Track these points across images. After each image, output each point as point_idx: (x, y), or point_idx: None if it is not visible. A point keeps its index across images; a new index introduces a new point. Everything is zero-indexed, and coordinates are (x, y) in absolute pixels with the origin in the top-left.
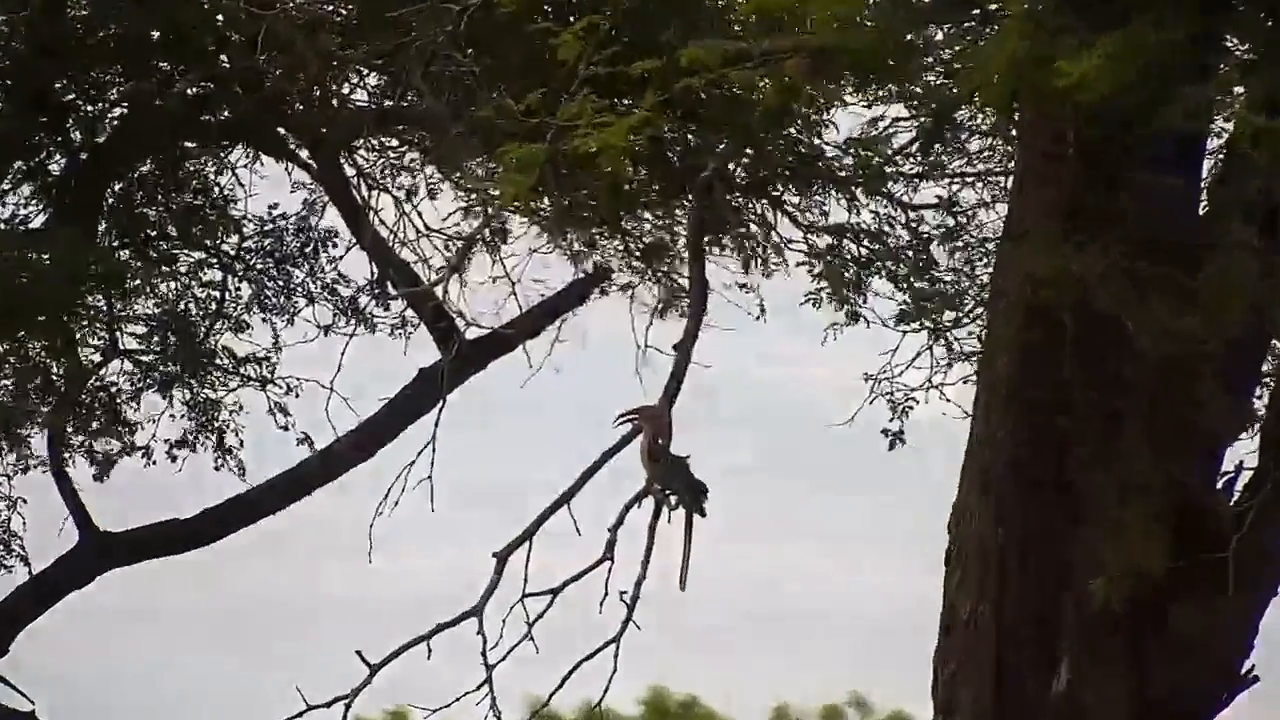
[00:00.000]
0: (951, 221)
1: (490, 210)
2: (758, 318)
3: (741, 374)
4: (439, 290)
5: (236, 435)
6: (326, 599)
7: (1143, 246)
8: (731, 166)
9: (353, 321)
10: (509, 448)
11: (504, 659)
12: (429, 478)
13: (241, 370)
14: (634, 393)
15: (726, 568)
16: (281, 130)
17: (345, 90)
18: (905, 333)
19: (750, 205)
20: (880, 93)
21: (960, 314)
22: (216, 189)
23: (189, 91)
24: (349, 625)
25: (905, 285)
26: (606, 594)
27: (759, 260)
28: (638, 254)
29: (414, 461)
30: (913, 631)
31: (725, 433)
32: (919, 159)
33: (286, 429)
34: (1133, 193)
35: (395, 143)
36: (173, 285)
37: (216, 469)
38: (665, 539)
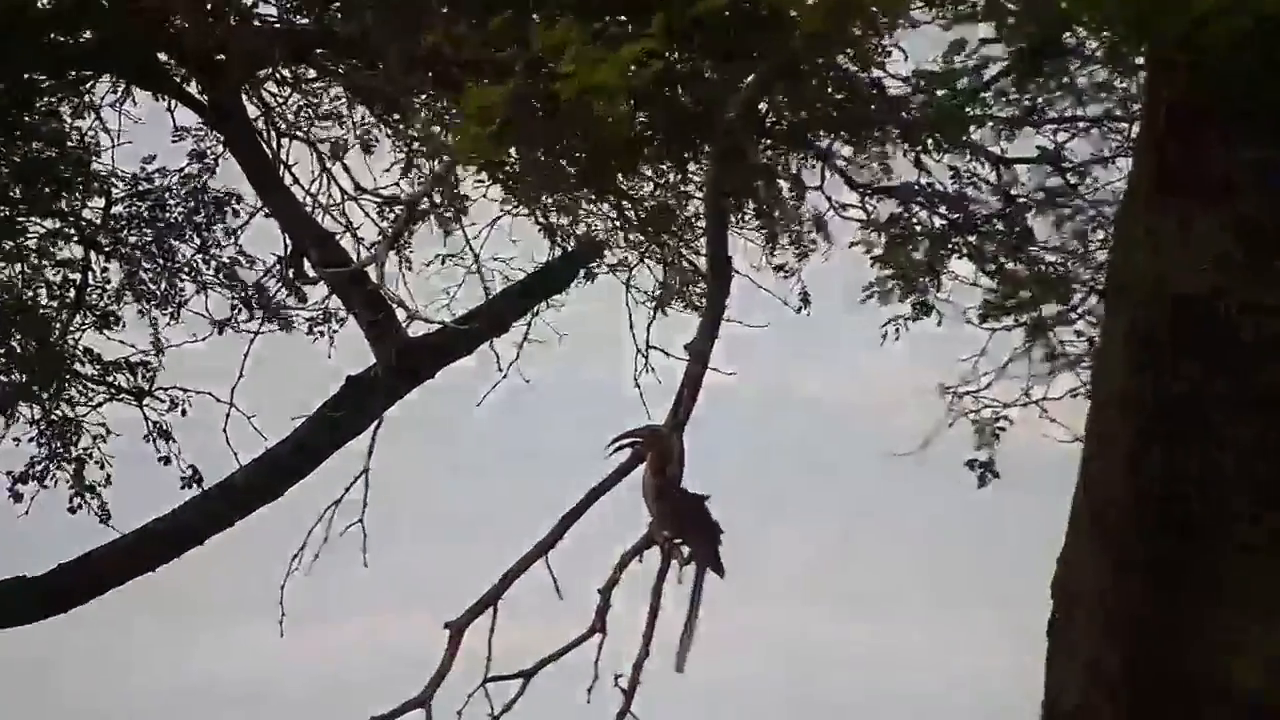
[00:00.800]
0: (1057, 182)
1: (442, 167)
2: (797, 310)
3: (774, 385)
4: (372, 272)
5: (102, 467)
6: (219, 683)
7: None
8: (762, 108)
9: (258, 314)
10: (467, 482)
11: None
12: (360, 521)
13: (109, 379)
14: (632, 409)
15: (749, 640)
16: (162, 56)
17: (249, 2)
18: (994, 331)
19: (787, 160)
20: (961, 8)
21: (1067, 306)
22: (75, 136)
23: (37, 3)
24: (256, 716)
25: (994, 267)
26: (597, 677)
27: (798, 234)
28: (636, 225)
29: (340, 500)
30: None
31: (753, 463)
32: (1013, 98)
33: (169, 460)
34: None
35: (316, 76)
36: (17, 267)
37: (72, 511)
38: (673, 602)
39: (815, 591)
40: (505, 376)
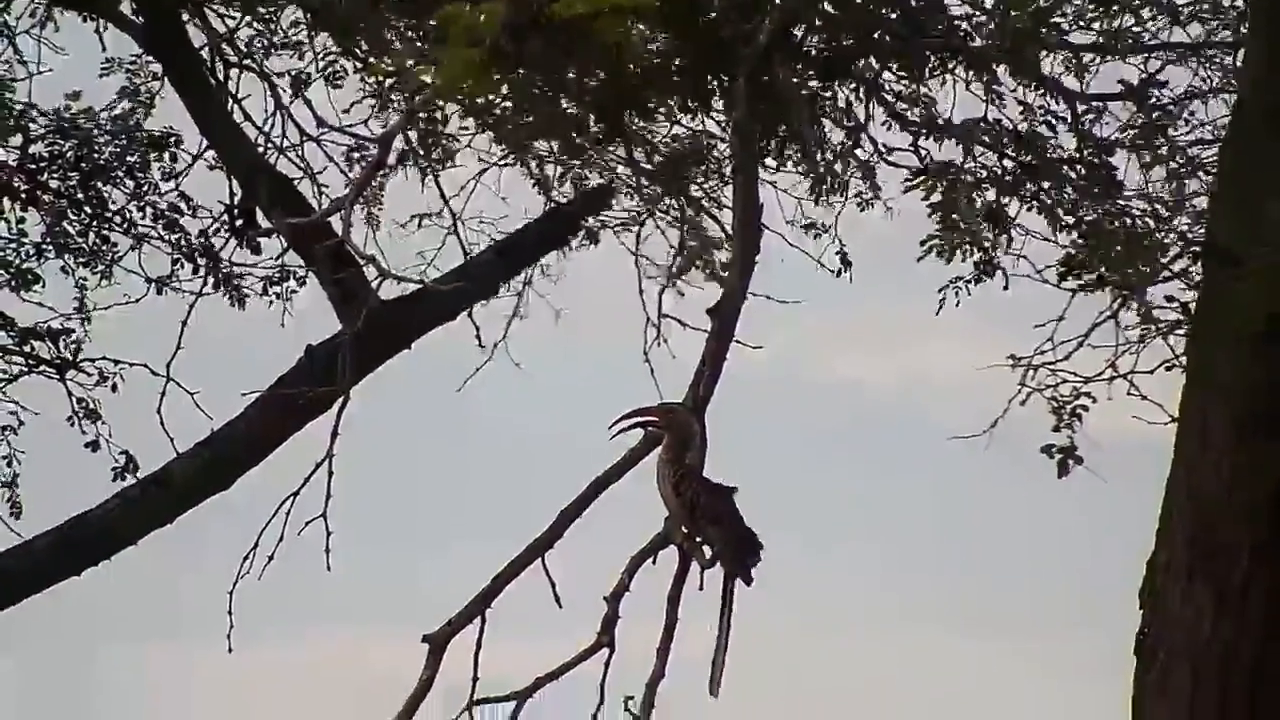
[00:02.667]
0: (1145, 120)
1: (418, 103)
2: (836, 274)
3: (811, 359)
4: (337, 223)
5: (12, 454)
6: (155, 708)
7: None
8: (797, 31)
9: (202, 273)
10: (448, 472)
11: None
12: (323, 517)
13: (26, 349)
14: (641, 388)
15: (785, 660)
16: None
17: None
18: (1073, 294)
19: (828, 93)
20: None
21: (1159, 264)
22: None
23: None
24: None
25: (1072, 220)
26: (603, 700)
27: (839, 182)
28: (649, 173)
29: (298, 492)
30: None
31: (785, 449)
32: (1094, 18)
33: (96, 445)
34: None
35: None
36: None
37: None
38: (693, 613)
39: (858, 605)
40: (491, 358)
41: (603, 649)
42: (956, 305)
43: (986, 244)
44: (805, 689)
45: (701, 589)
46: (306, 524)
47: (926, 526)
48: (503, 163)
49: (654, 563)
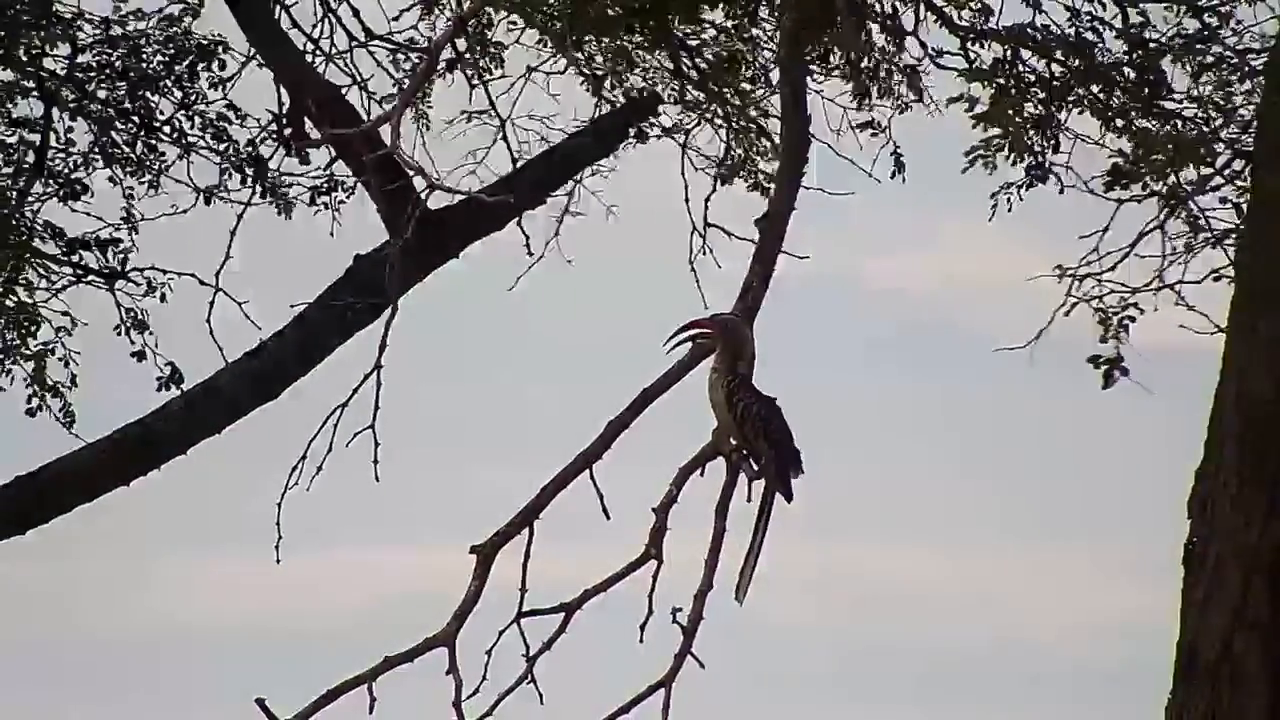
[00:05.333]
0: (1198, 24)
1: (468, 9)
2: (892, 176)
3: (860, 269)
4: (385, 132)
5: (66, 365)
6: (205, 617)
7: None
8: None
9: (250, 182)
10: (497, 382)
11: (490, 714)
12: (371, 428)
13: (75, 259)
14: (688, 296)
15: (820, 576)
16: None
17: None
18: (1120, 202)
19: None
20: None
21: (1212, 169)
22: None
23: None
24: (245, 658)
25: (1121, 124)
26: (651, 612)
27: (888, 88)
28: (696, 77)
29: (347, 403)
30: (1124, 674)
31: (833, 362)
32: None
33: (143, 355)
34: None
35: None
36: None
37: (30, 414)
38: (742, 524)
39: (899, 520)
40: (542, 257)
41: (650, 561)
42: (1009, 211)
43: (1037, 150)
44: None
45: (749, 500)
46: (355, 435)
47: (972, 437)
48: (550, 70)
49: (702, 474)
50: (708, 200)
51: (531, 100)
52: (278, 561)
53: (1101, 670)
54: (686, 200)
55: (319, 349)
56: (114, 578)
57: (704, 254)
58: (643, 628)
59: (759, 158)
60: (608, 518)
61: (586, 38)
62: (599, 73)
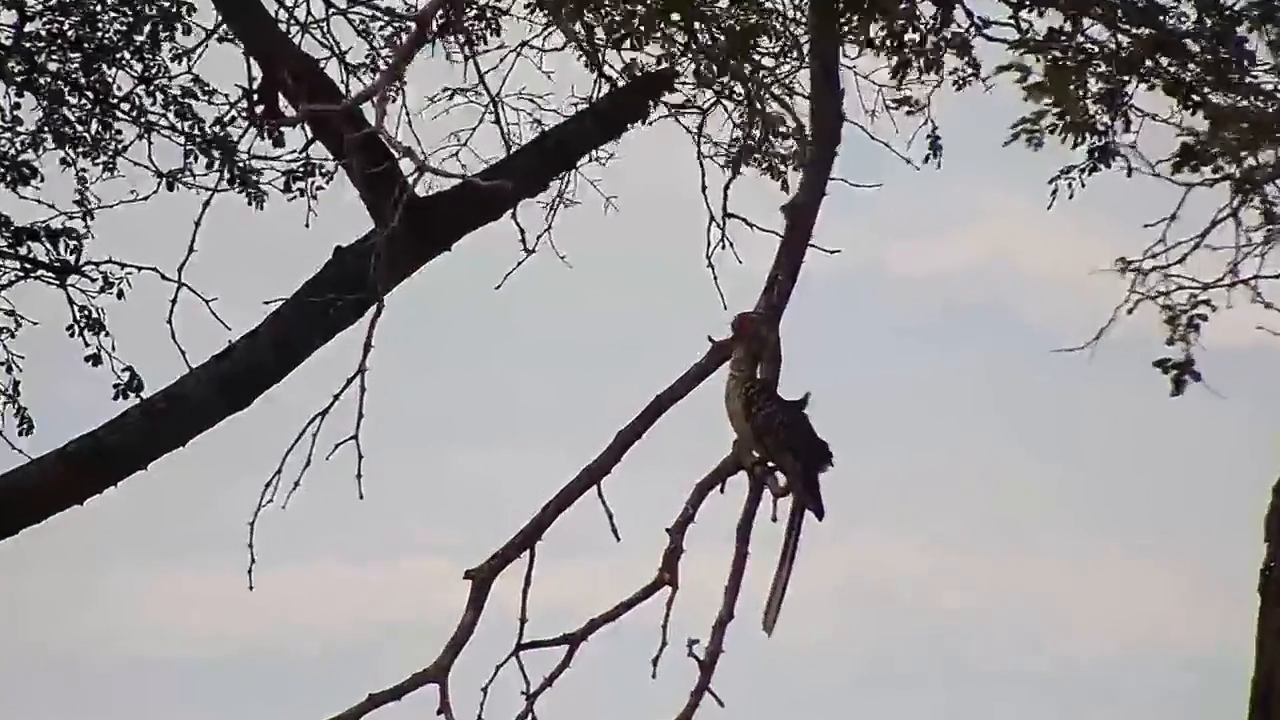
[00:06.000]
0: None
1: None
2: (926, 158)
3: (894, 263)
4: (369, 110)
5: (9, 369)
6: (168, 643)
7: None
8: None
9: (218, 166)
10: (492, 388)
11: None
12: (354, 438)
13: (22, 251)
14: (703, 295)
15: (855, 596)
16: None
17: None
18: (1190, 186)
19: None
20: None
21: None
22: None
23: None
24: (209, 687)
25: (1194, 99)
26: (665, 644)
27: (928, 58)
28: (712, 52)
29: (327, 410)
30: (1188, 703)
31: (865, 363)
32: None
33: (98, 359)
34: None
35: None
36: None
37: None
38: (765, 546)
39: (943, 533)
40: (534, 252)
41: (664, 587)
42: (1070, 198)
43: (1100, 129)
44: (880, 606)
45: (775, 520)
46: (336, 446)
47: (1023, 444)
48: (544, 46)
49: (721, 490)
50: (727, 187)
51: (522, 78)
52: (250, 588)
53: (1162, 697)
54: (704, 188)
55: (296, 351)
56: (65, 597)
57: (724, 247)
58: (656, 661)
59: (776, 140)
60: (617, 539)
61: (587, 6)
62: (599, 45)
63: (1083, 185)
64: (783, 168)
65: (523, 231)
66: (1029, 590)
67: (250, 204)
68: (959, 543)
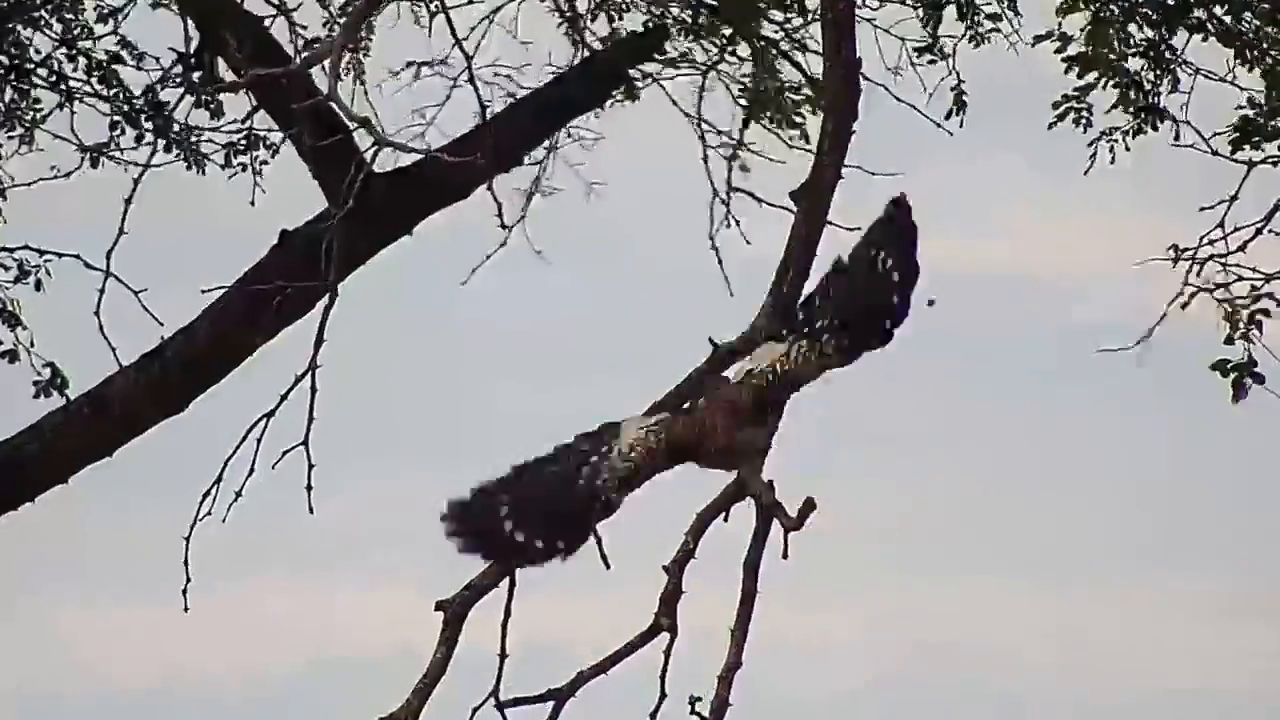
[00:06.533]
0: None
1: None
2: (948, 114)
3: (922, 248)
4: (321, 74)
5: None
6: (91, 679)
7: None
8: None
9: (150, 137)
10: (464, 391)
11: None
12: (303, 444)
13: None
14: (704, 288)
15: (880, 632)
16: None
17: None
18: (1252, 165)
19: None
20: None
21: None
22: None
23: None
24: None
25: (1252, 53)
26: (664, 696)
27: (965, 4)
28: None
29: (273, 412)
30: None
31: (884, 366)
32: None
33: (14, 355)
34: None
35: None
36: None
37: None
38: (777, 583)
39: (981, 566)
40: (507, 239)
41: (662, 632)
42: (1111, 163)
43: (1146, 85)
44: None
45: (786, 556)
46: (283, 454)
47: (1059, 453)
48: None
49: (725, 520)
50: (731, 158)
51: (495, 50)
52: (185, 609)
53: None
54: (704, 157)
55: (237, 348)
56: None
57: (729, 225)
58: (653, 716)
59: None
60: (607, 566)
61: None
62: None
63: (1127, 149)
64: (799, 117)
65: (500, 206)
66: (1072, 623)
67: (190, 169)
68: (1000, 579)
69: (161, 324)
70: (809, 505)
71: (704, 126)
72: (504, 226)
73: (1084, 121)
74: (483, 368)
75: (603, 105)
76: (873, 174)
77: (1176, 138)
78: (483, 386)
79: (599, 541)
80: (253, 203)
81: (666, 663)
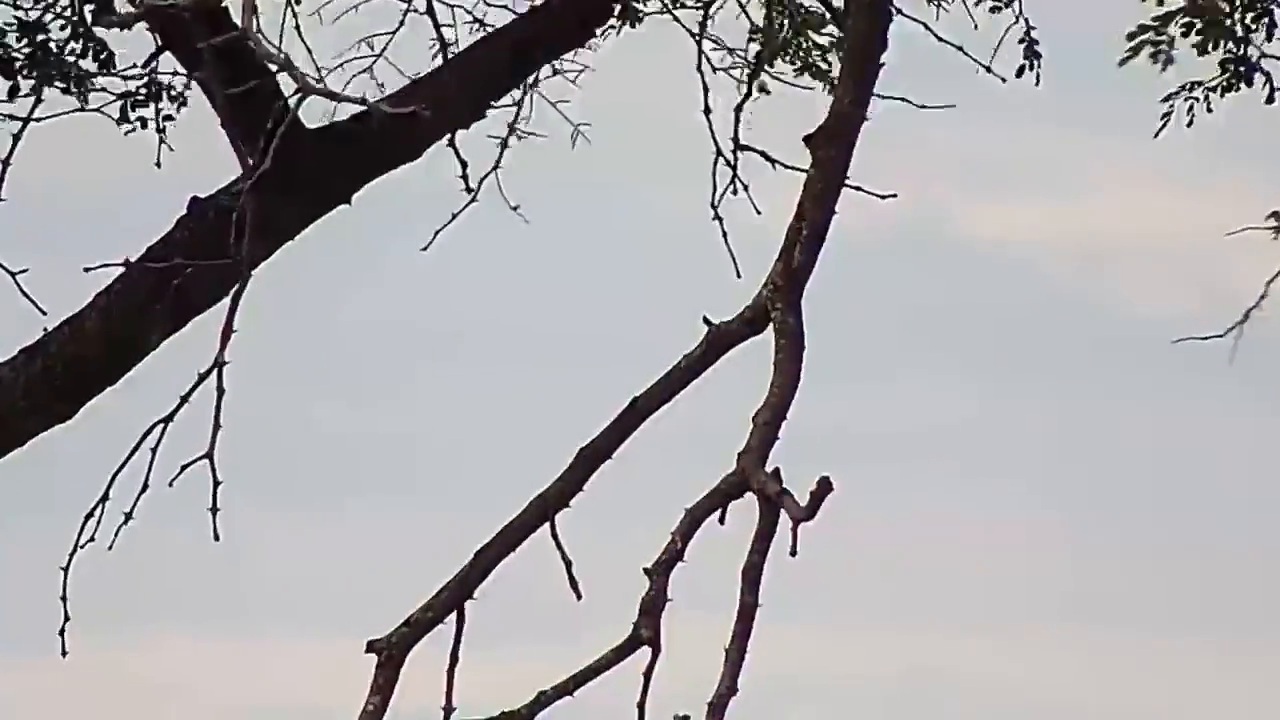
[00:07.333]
0: None
1: None
2: (1019, 70)
3: (963, 218)
4: (239, 8)
5: None
6: None
7: None
8: None
9: (28, 91)
10: (406, 389)
11: None
12: (208, 455)
13: None
14: (705, 257)
15: (901, 675)
16: None
17: None
18: None
19: None
20: None
21: None
22: None
23: None
24: None
25: None
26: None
27: None
28: None
29: (171, 417)
30: None
31: (921, 349)
32: None
33: None
34: None
35: None
36: None
37: None
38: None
39: (1015, 608)
40: (475, 199)
41: (642, 648)
42: (1189, 125)
43: (1236, 34)
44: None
45: (794, 554)
46: (183, 468)
47: (1124, 471)
48: None
49: (721, 519)
50: (739, 109)
51: None
52: (63, 654)
53: None
54: (707, 110)
55: (134, 342)
56: None
57: (734, 192)
58: None
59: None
60: (578, 596)
61: None
62: None
63: (1209, 110)
64: (824, 63)
65: (465, 165)
66: (1128, 678)
67: (78, 100)
68: (1036, 622)
69: (44, 312)
70: (824, 487)
71: (704, 79)
72: (469, 190)
73: (1164, 58)
74: (437, 359)
75: (586, 44)
76: (921, 106)
77: (1270, 100)
78: (437, 383)
79: (569, 566)
80: (158, 164)
81: (646, 685)
